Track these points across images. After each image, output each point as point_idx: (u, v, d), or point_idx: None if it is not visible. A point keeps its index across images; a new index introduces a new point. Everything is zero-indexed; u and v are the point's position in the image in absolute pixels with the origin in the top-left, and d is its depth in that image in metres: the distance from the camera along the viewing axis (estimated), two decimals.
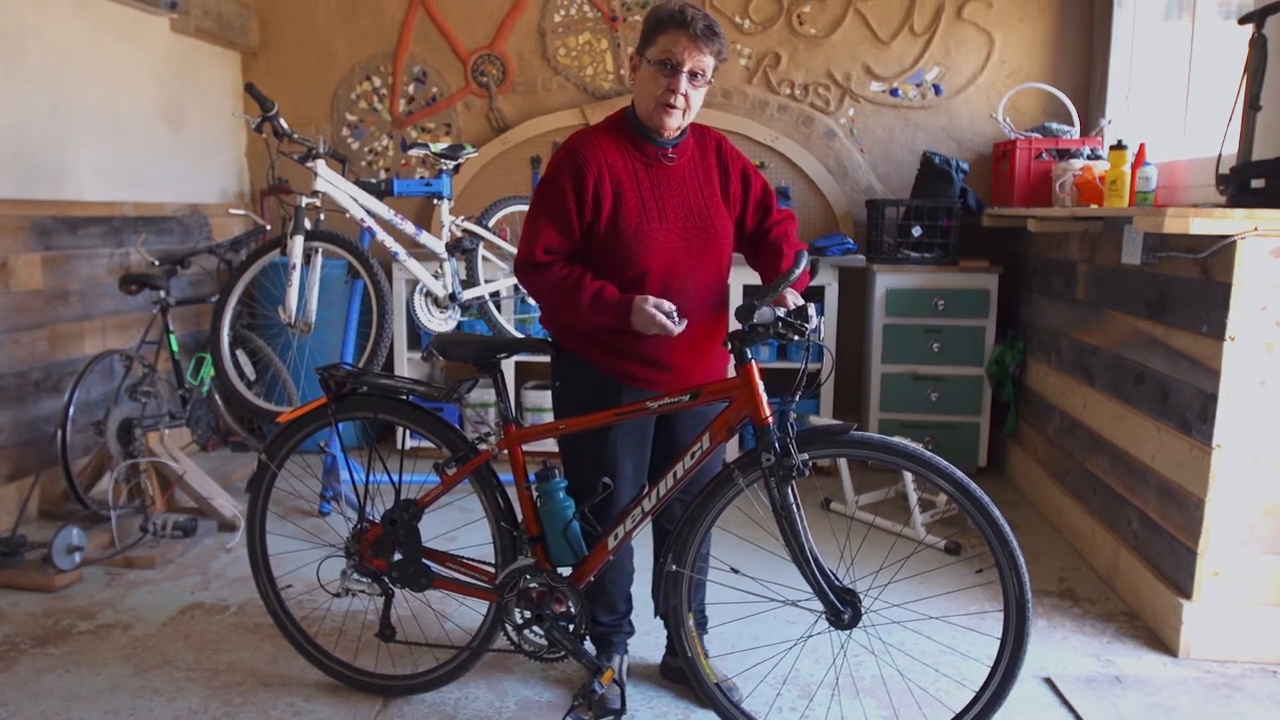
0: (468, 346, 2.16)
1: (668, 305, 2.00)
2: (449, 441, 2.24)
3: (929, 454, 1.95)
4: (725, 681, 2.23)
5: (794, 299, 2.01)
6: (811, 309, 1.98)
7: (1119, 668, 2.52)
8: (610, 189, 2.07)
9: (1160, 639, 2.66)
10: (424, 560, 2.26)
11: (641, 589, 2.61)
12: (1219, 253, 2.42)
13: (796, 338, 1.93)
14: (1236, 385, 2.42)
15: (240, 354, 3.77)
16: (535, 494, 2.18)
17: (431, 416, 2.27)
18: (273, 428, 4.20)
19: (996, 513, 1.91)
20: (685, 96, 2.04)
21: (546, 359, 2.29)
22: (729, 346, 1.98)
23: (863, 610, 2.01)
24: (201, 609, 2.87)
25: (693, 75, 2.02)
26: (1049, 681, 2.44)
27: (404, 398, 2.27)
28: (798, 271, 1.97)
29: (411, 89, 4.78)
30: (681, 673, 2.39)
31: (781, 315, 1.93)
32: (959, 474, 1.93)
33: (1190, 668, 2.52)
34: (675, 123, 2.07)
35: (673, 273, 2.12)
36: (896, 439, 2.00)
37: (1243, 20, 2.54)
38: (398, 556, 2.25)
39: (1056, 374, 3.65)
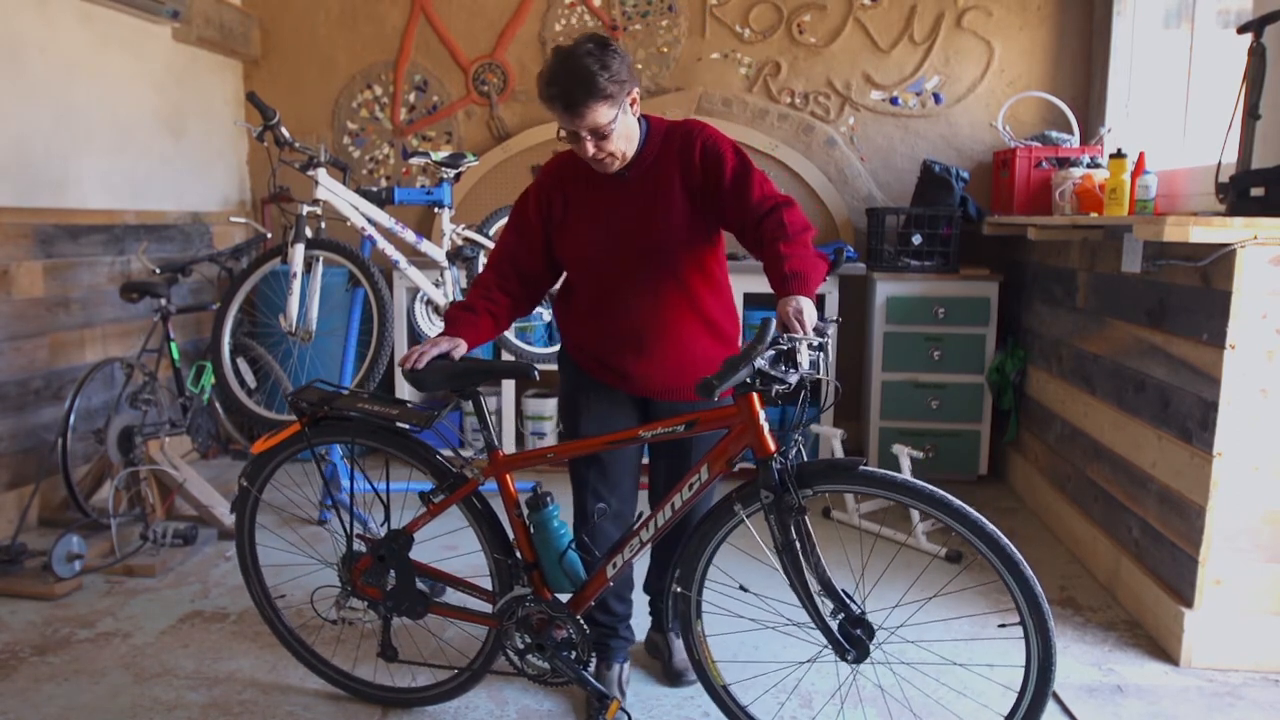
0: (439, 375, 2.04)
1: (428, 351, 2.05)
2: (433, 469, 2.15)
3: (948, 497, 1.80)
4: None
5: (795, 312, 1.81)
6: (803, 349, 1.76)
7: (1120, 676, 2.52)
8: (560, 203, 2.16)
9: (1162, 647, 2.66)
10: (419, 587, 2.21)
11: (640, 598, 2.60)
12: (1219, 261, 2.42)
13: (782, 390, 1.75)
14: (1237, 393, 2.41)
15: (241, 362, 3.77)
16: (528, 522, 2.12)
17: (413, 442, 2.16)
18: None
19: (1027, 570, 1.79)
20: (601, 149, 2.01)
21: (549, 367, 2.28)
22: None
23: (870, 649, 1.90)
24: (201, 617, 2.86)
25: (594, 133, 1.98)
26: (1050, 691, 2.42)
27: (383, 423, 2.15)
28: (761, 348, 1.74)
29: (412, 97, 4.80)
30: (658, 648, 2.54)
31: (763, 368, 1.75)
32: (986, 525, 1.80)
33: (1192, 676, 2.51)
34: (613, 167, 2.07)
35: (617, 284, 2.15)
36: (912, 479, 1.85)
37: (1241, 29, 2.54)
38: (390, 586, 2.19)
39: (1057, 382, 3.65)
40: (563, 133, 2.03)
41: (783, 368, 1.77)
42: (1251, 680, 2.48)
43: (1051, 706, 2.36)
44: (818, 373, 1.79)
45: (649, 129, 2.12)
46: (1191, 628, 2.53)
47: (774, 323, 1.78)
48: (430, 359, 2.04)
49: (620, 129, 2.00)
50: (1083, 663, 2.59)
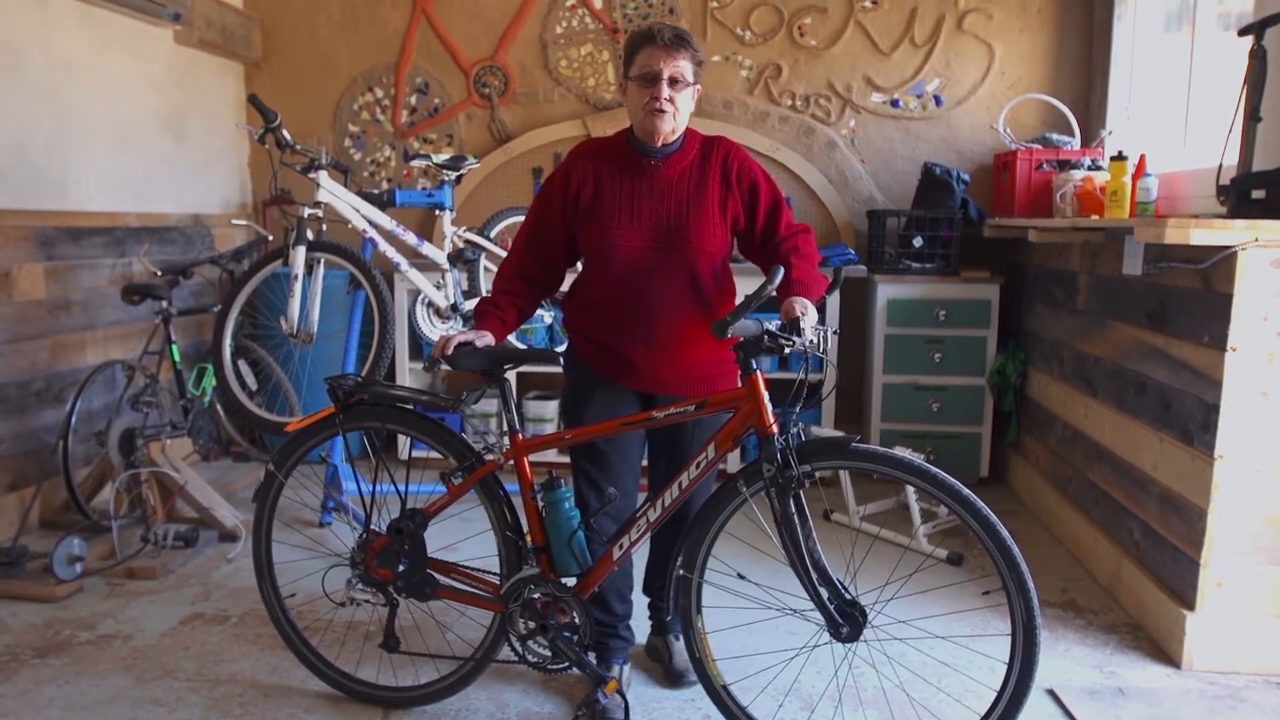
0: (476, 356, 2.17)
1: (457, 339, 2.15)
2: (456, 451, 2.25)
3: (933, 468, 1.93)
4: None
5: (801, 308, 2.01)
6: (807, 322, 1.97)
7: (1122, 679, 2.52)
8: (591, 189, 2.24)
9: (1163, 650, 2.66)
10: (429, 570, 2.27)
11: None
12: (1220, 263, 2.42)
13: (787, 349, 1.94)
14: (1238, 395, 2.41)
15: (242, 364, 3.77)
16: (540, 504, 2.19)
17: (438, 426, 2.27)
18: (275, 438, 4.21)
19: (1005, 534, 1.89)
20: (671, 101, 2.14)
21: (549, 369, 2.33)
22: (738, 357, 2.02)
23: (864, 626, 2.00)
24: (202, 619, 2.86)
25: (673, 81, 2.13)
26: (1052, 693, 2.43)
27: (410, 408, 2.28)
28: (770, 288, 1.94)
29: (414, 100, 4.80)
30: (658, 651, 2.56)
31: (770, 328, 1.94)
32: (965, 490, 1.91)
33: (1193, 679, 2.51)
34: (667, 126, 2.17)
35: (636, 273, 2.22)
36: (902, 453, 2.00)
37: (1242, 32, 2.55)
38: (403, 566, 2.25)
39: (1058, 384, 3.65)
40: (631, 77, 2.16)
41: (788, 333, 1.95)
42: (1253, 683, 2.48)
43: (1053, 708, 2.37)
44: (819, 349, 1.98)
45: (686, 133, 2.26)
46: (1193, 630, 2.53)
47: (781, 270, 2.00)
48: (456, 345, 2.16)
49: (688, 96, 2.18)
50: (1084, 665, 2.59)
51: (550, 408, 4.42)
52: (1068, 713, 2.34)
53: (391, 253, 3.50)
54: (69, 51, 3.72)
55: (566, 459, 4.03)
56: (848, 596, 2.01)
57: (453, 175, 3.81)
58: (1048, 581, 3.15)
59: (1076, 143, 4.07)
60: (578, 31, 4.65)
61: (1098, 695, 2.42)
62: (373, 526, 2.32)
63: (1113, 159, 3.34)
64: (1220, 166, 2.59)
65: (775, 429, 1.99)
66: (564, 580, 2.20)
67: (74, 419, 3.45)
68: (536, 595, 2.18)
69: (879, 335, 4.16)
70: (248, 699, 2.40)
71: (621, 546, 2.14)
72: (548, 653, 2.21)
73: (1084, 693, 2.43)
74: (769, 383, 2.05)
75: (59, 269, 3.68)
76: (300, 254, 3.18)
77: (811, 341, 1.96)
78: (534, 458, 2.25)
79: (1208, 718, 2.32)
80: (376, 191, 3.61)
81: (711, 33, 4.55)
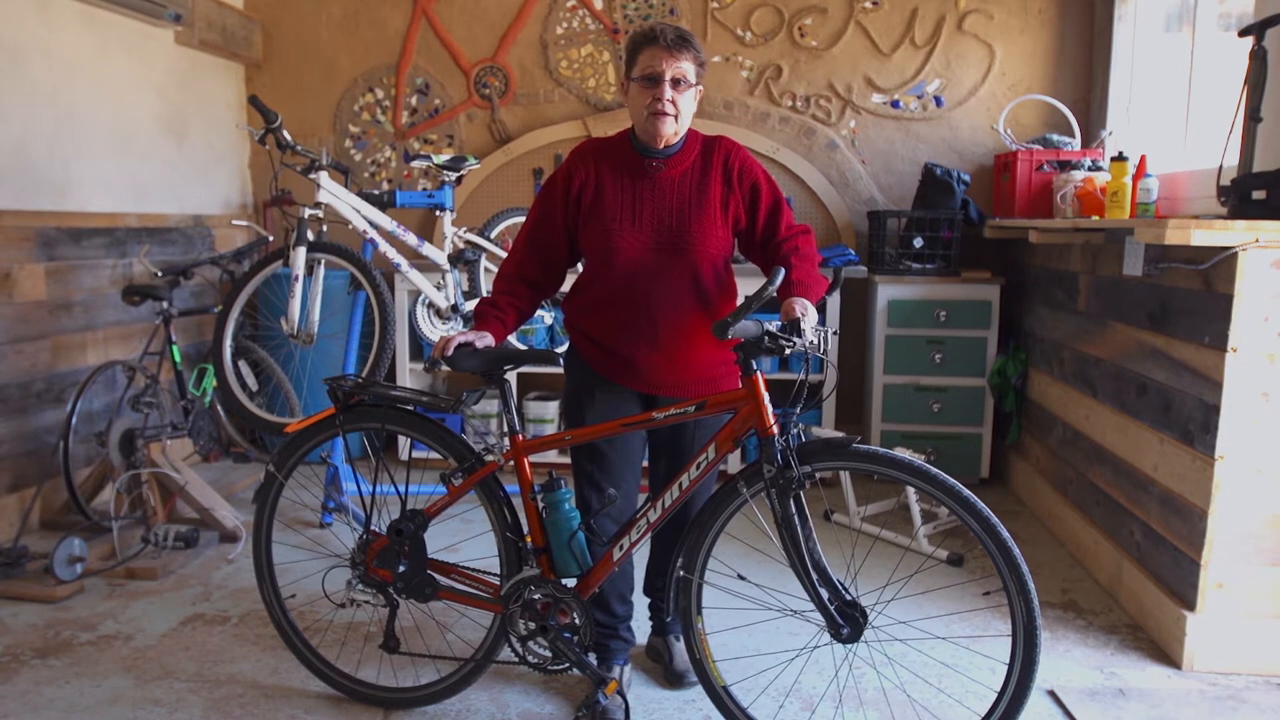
0: (475, 357, 2.17)
1: (457, 340, 2.15)
2: (456, 452, 2.25)
3: (933, 469, 1.94)
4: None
5: (801, 309, 2.01)
6: (808, 323, 1.97)
7: (1122, 680, 2.52)
8: (592, 190, 2.24)
9: (1164, 651, 2.65)
10: (429, 571, 2.27)
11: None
12: (1220, 264, 2.42)
13: (787, 350, 1.94)
14: (1239, 396, 2.41)
15: (243, 365, 3.78)
16: (540, 504, 2.19)
17: (438, 427, 2.28)
18: (275, 439, 4.21)
19: (1005, 535, 1.89)
20: (673, 103, 2.13)
21: (550, 370, 2.32)
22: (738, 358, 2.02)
23: (865, 627, 2.01)
24: (203, 620, 2.86)
25: (675, 82, 2.13)
26: (1052, 694, 2.43)
27: (410, 408, 2.28)
28: (771, 289, 1.95)
29: (414, 100, 4.80)
30: (659, 652, 2.55)
31: (770, 329, 1.94)
32: (965, 491, 1.91)
33: (1194, 680, 2.51)
34: (669, 129, 2.16)
35: (638, 274, 2.22)
36: (902, 453, 2.01)
37: (1243, 32, 2.55)
38: (403, 567, 2.25)
39: (1059, 385, 3.65)
40: (633, 77, 2.16)
41: (789, 334, 1.95)
42: (1254, 684, 2.48)
43: (1053, 709, 2.37)
44: (819, 349, 1.98)
45: (687, 133, 2.25)
46: (1194, 631, 2.53)
47: (781, 272, 1.99)
48: (456, 346, 2.16)
49: (690, 97, 2.17)
50: (1085, 666, 2.59)
51: (550, 408, 4.42)
52: (1068, 713, 2.34)
53: (392, 253, 3.50)
54: (70, 53, 3.73)
55: (567, 460, 4.05)
56: (848, 597, 2.01)
57: (453, 176, 3.81)
58: (1048, 582, 3.15)
59: (1077, 143, 4.08)
60: (578, 32, 4.65)
61: (1098, 696, 2.42)
62: (373, 527, 2.32)
63: (1113, 160, 3.34)
64: (1221, 167, 2.59)
65: (775, 430, 1.99)
66: (564, 581, 2.20)
67: (74, 420, 3.45)
68: (537, 596, 2.18)
69: (879, 336, 4.16)
70: (248, 700, 2.40)
71: (622, 547, 2.15)
72: (548, 654, 2.21)
73: (1084, 693, 2.43)
74: (769, 383, 2.05)
75: (60, 269, 3.69)
76: (301, 255, 3.18)
77: (812, 342, 1.96)
78: (534, 458, 2.25)
79: (1209, 718, 2.32)
80: (377, 192, 3.62)
81: (712, 33, 4.55)
